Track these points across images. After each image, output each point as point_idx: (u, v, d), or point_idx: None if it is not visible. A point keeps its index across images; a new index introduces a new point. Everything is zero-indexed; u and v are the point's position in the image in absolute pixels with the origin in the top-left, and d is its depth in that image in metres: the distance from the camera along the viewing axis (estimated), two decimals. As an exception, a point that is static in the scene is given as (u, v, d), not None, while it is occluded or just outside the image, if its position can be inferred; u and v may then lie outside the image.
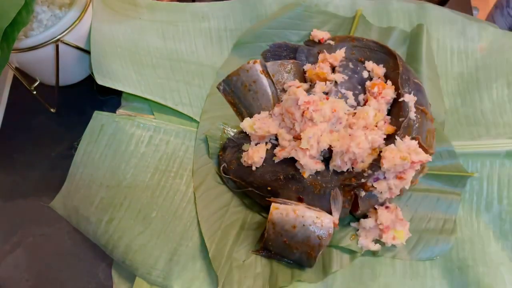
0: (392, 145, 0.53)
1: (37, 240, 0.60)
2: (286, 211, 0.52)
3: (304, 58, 0.66)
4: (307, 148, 0.53)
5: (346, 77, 0.61)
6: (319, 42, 0.66)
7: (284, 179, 0.56)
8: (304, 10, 0.68)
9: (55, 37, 0.58)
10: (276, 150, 0.57)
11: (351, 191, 0.54)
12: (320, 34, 0.66)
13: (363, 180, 0.53)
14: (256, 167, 0.57)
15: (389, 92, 0.58)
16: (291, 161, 0.56)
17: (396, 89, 0.58)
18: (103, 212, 0.58)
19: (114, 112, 0.64)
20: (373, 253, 0.56)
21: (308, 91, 0.60)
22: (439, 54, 0.66)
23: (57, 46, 0.59)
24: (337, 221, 0.52)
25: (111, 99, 0.68)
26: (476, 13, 0.75)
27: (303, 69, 0.65)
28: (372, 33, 0.68)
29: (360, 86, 0.61)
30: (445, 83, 0.65)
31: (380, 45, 0.63)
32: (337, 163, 0.54)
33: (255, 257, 0.56)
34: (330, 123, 0.56)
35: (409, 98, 0.57)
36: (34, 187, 0.63)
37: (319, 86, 0.60)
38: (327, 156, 0.56)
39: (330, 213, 0.53)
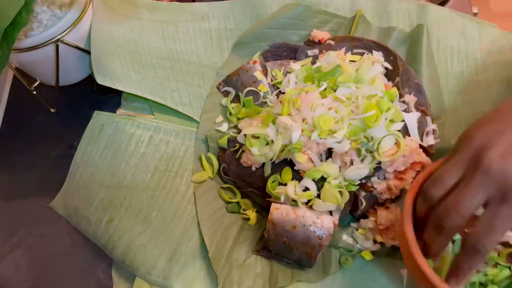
0: (392, 145, 0.53)
1: (37, 240, 0.60)
2: (286, 211, 0.52)
3: (304, 58, 0.66)
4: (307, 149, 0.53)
5: (346, 77, 0.61)
6: (319, 42, 0.66)
7: (284, 179, 0.56)
8: (304, 10, 0.68)
9: (55, 37, 0.58)
10: (276, 150, 0.57)
11: (351, 191, 0.54)
12: (320, 34, 0.66)
13: (363, 180, 0.53)
14: (256, 168, 0.57)
15: (389, 92, 0.58)
16: (291, 162, 0.56)
17: (396, 89, 0.58)
18: (103, 212, 0.58)
19: (114, 112, 0.64)
20: (373, 253, 0.56)
21: (308, 91, 0.60)
22: (439, 54, 0.65)
23: (57, 46, 0.59)
24: (337, 221, 0.52)
25: (111, 99, 0.67)
26: (476, 13, 0.75)
27: (303, 69, 0.65)
28: (372, 33, 0.67)
29: (360, 86, 0.61)
30: (445, 83, 0.64)
31: (380, 45, 0.63)
32: (337, 163, 0.54)
33: (255, 257, 0.56)
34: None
35: (409, 99, 0.57)
36: (34, 187, 0.63)
37: (319, 86, 0.60)
38: (327, 157, 0.56)
39: (330, 213, 0.53)
